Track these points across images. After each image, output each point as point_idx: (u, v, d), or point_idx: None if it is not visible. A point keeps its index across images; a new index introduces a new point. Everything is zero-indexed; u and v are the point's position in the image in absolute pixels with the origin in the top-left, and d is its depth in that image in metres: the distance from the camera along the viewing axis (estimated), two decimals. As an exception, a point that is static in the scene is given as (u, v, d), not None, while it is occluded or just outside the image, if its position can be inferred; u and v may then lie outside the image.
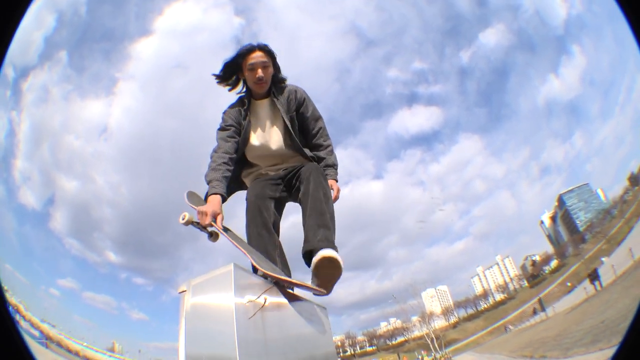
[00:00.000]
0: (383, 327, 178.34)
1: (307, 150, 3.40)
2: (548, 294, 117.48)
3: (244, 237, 2.99)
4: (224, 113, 3.33)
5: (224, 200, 2.85)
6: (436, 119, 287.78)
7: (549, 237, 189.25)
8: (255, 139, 3.34)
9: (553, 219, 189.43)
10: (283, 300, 2.38)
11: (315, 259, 2.48)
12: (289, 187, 3.21)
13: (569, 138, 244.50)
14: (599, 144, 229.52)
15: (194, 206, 2.80)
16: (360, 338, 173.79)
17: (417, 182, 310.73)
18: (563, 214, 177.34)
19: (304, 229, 2.80)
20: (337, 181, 3.37)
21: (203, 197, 3.02)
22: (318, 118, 3.47)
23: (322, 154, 3.44)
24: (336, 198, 3.20)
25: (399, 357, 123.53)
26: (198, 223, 2.63)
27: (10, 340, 1.44)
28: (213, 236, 2.68)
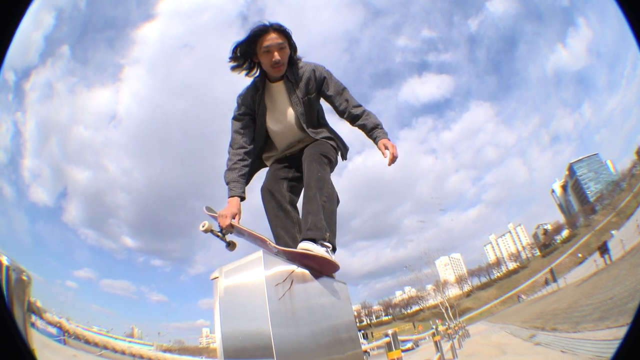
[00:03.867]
0: (398, 296, 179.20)
1: (323, 132, 3.28)
2: (559, 265, 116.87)
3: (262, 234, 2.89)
4: (238, 98, 3.23)
5: (243, 199, 2.94)
6: (447, 86, 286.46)
7: (560, 206, 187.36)
8: (271, 123, 3.24)
9: (564, 188, 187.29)
10: (308, 277, 2.51)
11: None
12: (300, 168, 3.14)
13: (578, 108, 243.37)
14: (607, 115, 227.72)
15: (213, 214, 2.93)
16: (376, 307, 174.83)
17: (429, 150, 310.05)
18: (573, 184, 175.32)
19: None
20: (387, 137, 3.07)
21: (216, 209, 3.06)
22: (342, 91, 3.24)
23: (361, 122, 3.18)
24: (394, 156, 2.91)
25: (414, 326, 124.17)
26: (218, 231, 2.74)
27: (10, 341, 1.43)
28: (230, 245, 2.79)
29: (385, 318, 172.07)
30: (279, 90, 3.15)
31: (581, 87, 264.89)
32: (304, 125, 3.17)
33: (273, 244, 2.65)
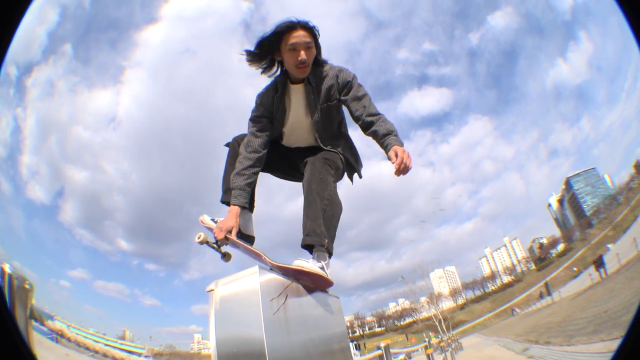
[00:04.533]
0: (392, 307, 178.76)
1: (337, 145, 3.07)
2: (554, 278, 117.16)
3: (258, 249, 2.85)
4: (257, 97, 3.03)
5: (244, 208, 2.87)
6: (446, 100, 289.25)
7: (556, 220, 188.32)
8: (286, 127, 3.08)
9: (560, 202, 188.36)
10: (302, 290, 2.55)
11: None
12: (297, 168, 3.08)
13: (577, 122, 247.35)
14: (605, 129, 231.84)
15: (209, 226, 2.87)
16: (369, 319, 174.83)
17: (427, 163, 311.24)
18: (570, 198, 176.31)
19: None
20: (401, 145, 2.65)
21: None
22: (362, 97, 2.92)
23: (373, 128, 2.82)
24: (405, 167, 2.43)
25: (407, 338, 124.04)
26: (213, 243, 2.75)
27: (14, 347, 1.43)
28: (225, 257, 2.82)
29: (378, 329, 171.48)
30: (297, 93, 2.96)
31: (581, 102, 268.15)
32: (316, 135, 3.02)
33: (268, 259, 2.56)
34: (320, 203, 2.64)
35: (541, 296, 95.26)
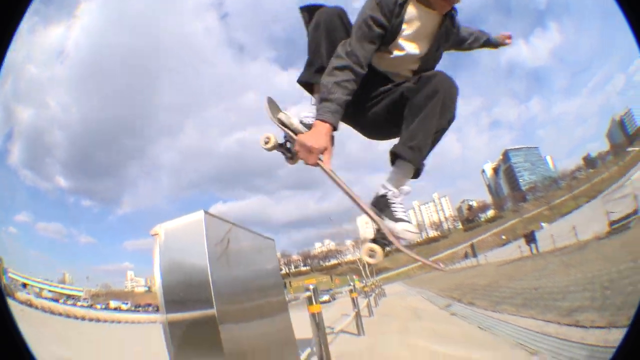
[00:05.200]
0: (317, 247, 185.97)
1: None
2: (481, 241, 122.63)
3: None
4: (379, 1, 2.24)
5: (335, 129, 2.20)
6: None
7: (488, 187, 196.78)
8: (400, 48, 2.36)
9: (495, 170, 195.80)
10: (242, 235, 2.76)
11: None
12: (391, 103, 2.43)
13: (526, 101, 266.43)
14: (556, 115, 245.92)
15: (291, 130, 2.34)
16: (295, 257, 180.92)
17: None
18: (506, 169, 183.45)
19: (404, 126, 2.24)
20: None
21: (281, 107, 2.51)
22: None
23: (482, 37, 3.03)
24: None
25: (332, 279, 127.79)
26: (283, 146, 2.32)
27: (8, 337, 1.44)
28: (293, 159, 2.33)
29: (303, 268, 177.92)
30: (429, 19, 2.33)
31: (535, 84, 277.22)
32: (417, 69, 2.45)
33: (375, 217, 2.20)
34: (435, 125, 2.20)
35: (466, 256, 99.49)
